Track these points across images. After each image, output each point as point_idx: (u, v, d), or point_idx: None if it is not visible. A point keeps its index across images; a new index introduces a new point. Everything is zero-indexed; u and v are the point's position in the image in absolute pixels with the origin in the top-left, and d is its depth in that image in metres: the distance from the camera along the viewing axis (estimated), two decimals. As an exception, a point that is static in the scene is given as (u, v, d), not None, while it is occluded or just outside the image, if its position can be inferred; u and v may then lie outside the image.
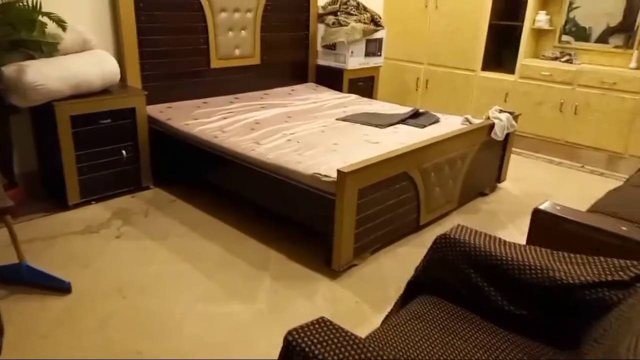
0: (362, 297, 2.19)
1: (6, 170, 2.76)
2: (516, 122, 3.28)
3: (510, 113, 3.23)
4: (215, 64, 3.65)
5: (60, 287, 2.11)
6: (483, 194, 3.36)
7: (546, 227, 1.74)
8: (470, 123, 3.12)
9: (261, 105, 3.53)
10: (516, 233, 2.83)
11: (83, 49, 2.90)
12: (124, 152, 3.01)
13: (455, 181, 2.93)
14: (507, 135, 3.25)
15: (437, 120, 3.27)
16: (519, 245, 1.45)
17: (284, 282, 2.26)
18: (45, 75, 2.58)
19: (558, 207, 1.76)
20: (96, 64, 2.84)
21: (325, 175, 2.27)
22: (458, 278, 1.45)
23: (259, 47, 3.91)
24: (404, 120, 3.25)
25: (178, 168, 3.22)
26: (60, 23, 2.64)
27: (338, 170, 2.18)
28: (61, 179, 2.81)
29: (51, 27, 2.66)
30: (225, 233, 2.69)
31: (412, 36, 4.87)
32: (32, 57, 2.68)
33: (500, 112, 3.18)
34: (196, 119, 3.11)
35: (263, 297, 2.15)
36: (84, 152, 2.84)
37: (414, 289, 1.57)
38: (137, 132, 3.04)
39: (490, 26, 4.40)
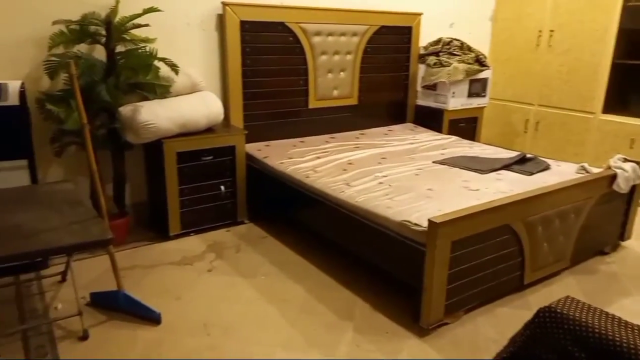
0: (453, 362, 1.98)
1: (119, 201, 3.00)
2: (644, 172, 2.87)
3: (637, 162, 2.84)
4: (313, 104, 3.72)
5: (152, 318, 2.19)
6: (603, 253, 2.95)
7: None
8: (587, 172, 2.79)
9: (356, 145, 3.50)
10: (643, 303, 2.43)
11: (192, 90, 3.11)
12: (222, 187, 3.13)
13: (567, 237, 2.61)
14: (633, 187, 2.85)
15: (547, 167, 2.98)
16: (646, 329, 1.20)
17: (367, 336, 2.13)
18: (156, 115, 2.79)
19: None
20: (202, 105, 3.03)
21: (416, 224, 2.13)
22: (565, 362, 1.23)
23: (357, 88, 3.92)
24: (508, 165, 3.01)
25: (272, 205, 3.28)
26: (173, 67, 2.86)
27: (429, 220, 2.03)
28: (165, 211, 2.98)
29: (165, 71, 2.88)
30: (312, 275, 2.63)
31: (522, 76, 4.58)
32: (146, 98, 2.92)
33: (624, 162, 2.80)
34: (291, 158, 3.15)
35: (344, 350, 2.04)
36: (186, 187, 3.00)
37: (510, 367, 1.36)
38: (236, 168, 3.16)
39: (614, 65, 3.98)
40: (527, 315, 1.40)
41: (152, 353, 1.98)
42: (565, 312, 1.27)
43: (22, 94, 2.46)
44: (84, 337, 2.05)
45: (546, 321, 1.29)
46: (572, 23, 4.16)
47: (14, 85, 2.44)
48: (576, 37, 4.14)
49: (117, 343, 2.04)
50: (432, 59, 4.07)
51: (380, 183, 2.69)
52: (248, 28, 3.31)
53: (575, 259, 2.73)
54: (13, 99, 2.42)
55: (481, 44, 4.60)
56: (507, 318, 2.28)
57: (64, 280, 2.49)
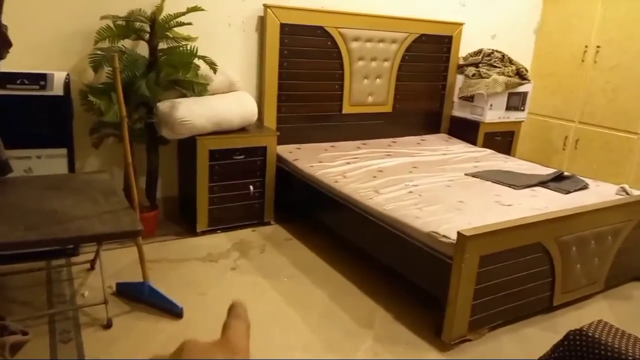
0: (474, 380, 1.93)
1: (150, 194, 3.06)
2: (690, 198, 2.73)
3: (683, 187, 2.71)
4: (347, 109, 3.71)
5: (174, 311, 2.22)
6: (639, 279, 2.83)
7: None
8: (628, 194, 2.68)
9: (387, 153, 3.47)
10: (682, 335, 2.29)
11: (229, 90, 3.16)
12: (251, 187, 3.15)
13: (602, 260, 2.51)
14: (677, 212, 2.71)
15: (584, 187, 2.88)
16: (684, 362, 1.13)
17: (386, 346, 2.10)
18: (192, 112, 2.84)
19: None
20: (238, 104, 3.06)
21: (444, 236, 2.09)
22: (594, 389, 1.18)
23: (393, 95, 3.89)
24: (544, 182, 2.92)
25: (299, 207, 3.28)
26: (212, 66, 2.91)
27: (458, 232, 1.99)
28: (194, 206, 3.03)
29: (204, 69, 2.93)
30: (334, 281, 2.62)
31: (564, 92, 4.45)
32: (184, 95, 2.98)
33: (668, 185, 2.68)
34: (321, 162, 3.15)
35: (362, 358, 2.01)
36: (216, 184, 3.04)
37: (534, 390, 1.31)
38: (266, 169, 3.18)
39: (663, 84, 3.82)
40: (555, 337, 1.36)
41: (171, 346, 2.00)
42: (597, 336, 1.21)
43: (67, 84, 2.54)
44: (108, 325, 2.09)
45: (576, 344, 1.24)
46: (621, 39, 4.01)
47: (59, 76, 2.52)
48: (625, 54, 4.00)
49: (139, 334, 2.07)
50: (471, 70, 4.01)
51: (410, 192, 2.65)
52: (287, 31, 3.33)
53: (609, 283, 2.62)
54: (58, 89, 2.51)
55: (523, 56, 4.50)
56: (534, 339, 2.21)
57: (92, 268, 2.55)
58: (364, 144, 3.70)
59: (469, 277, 2.02)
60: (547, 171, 3.19)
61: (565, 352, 1.28)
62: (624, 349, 1.18)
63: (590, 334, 1.24)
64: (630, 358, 1.16)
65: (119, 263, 2.63)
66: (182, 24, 2.88)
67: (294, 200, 3.28)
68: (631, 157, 4.03)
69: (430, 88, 4.10)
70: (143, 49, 2.89)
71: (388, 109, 3.91)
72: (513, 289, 2.20)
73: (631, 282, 2.79)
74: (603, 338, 1.21)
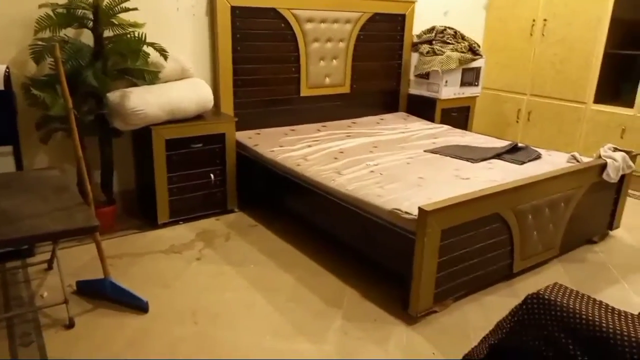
0: (440, 349, 1.98)
1: (106, 189, 2.96)
2: (634, 162, 2.87)
3: (627, 152, 2.84)
4: (305, 92, 3.68)
5: (139, 306, 2.17)
6: (591, 242, 2.97)
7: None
8: (578, 161, 2.79)
9: (347, 134, 3.48)
10: (630, 291, 2.44)
11: (182, 76, 3.07)
12: (212, 175, 3.10)
13: (556, 226, 2.62)
14: (623, 176, 2.86)
15: (538, 157, 2.98)
16: (633, 315, 1.20)
17: (355, 323, 2.13)
18: (145, 101, 2.74)
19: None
20: (192, 91, 2.98)
21: (406, 212, 2.12)
22: (552, 349, 1.23)
23: (350, 76, 3.89)
24: (500, 154, 3.00)
25: (262, 193, 3.25)
26: (163, 53, 2.81)
27: (420, 208, 2.02)
28: (153, 199, 2.95)
29: (154, 57, 2.83)
30: (301, 264, 2.62)
31: (514, 65, 4.57)
32: (135, 84, 2.87)
33: (614, 151, 2.81)
34: (282, 146, 3.12)
35: (332, 337, 2.03)
36: (175, 174, 2.97)
37: (496, 353, 1.36)
38: (226, 156, 3.13)
39: (606, 55, 3.98)
40: (515, 303, 1.40)
41: (138, 341, 1.97)
42: (552, 298, 1.26)
43: (7, 78, 2.41)
44: (70, 325, 2.02)
45: (534, 307, 1.28)
46: (566, 12, 4.14)
47: (-2, 69, 2.38)
48: (569, 26, 4.13)
49: (103, 331, 2.02)
50: (425, 48, 4.04)
51: (371, 172, 2.67)
52: (239, 14, 3.26)
53: (564, 248, 2.74)
54: (-3, 84, 2.37)
55: (475, 32, 4.58)
56: (495, 306, 2.29)
57: (50, 268, 2.46)
58: (324, 126, 3.69)
59: (432, 251, 2.07)
60: (502, 144, 3.28)
61: (524, 316, 1.33)
62: (578, 308, 1.23)
63: (546, 297, 1.29)
64: (584, 317, 1.21)
65: (78, 261, 2.54)
66: (127, 10, 2.75)
67: (257, 187, 3.25)
68: (580, 126, 4.21)
69: (387, 67, 4.12)
70: (88, 38, 2.76)
71: (346, 89, 3.90)
72: (475, 259, 2.27)
73: (584, 246, 2.93)
74: (559, 300, 1.26)
